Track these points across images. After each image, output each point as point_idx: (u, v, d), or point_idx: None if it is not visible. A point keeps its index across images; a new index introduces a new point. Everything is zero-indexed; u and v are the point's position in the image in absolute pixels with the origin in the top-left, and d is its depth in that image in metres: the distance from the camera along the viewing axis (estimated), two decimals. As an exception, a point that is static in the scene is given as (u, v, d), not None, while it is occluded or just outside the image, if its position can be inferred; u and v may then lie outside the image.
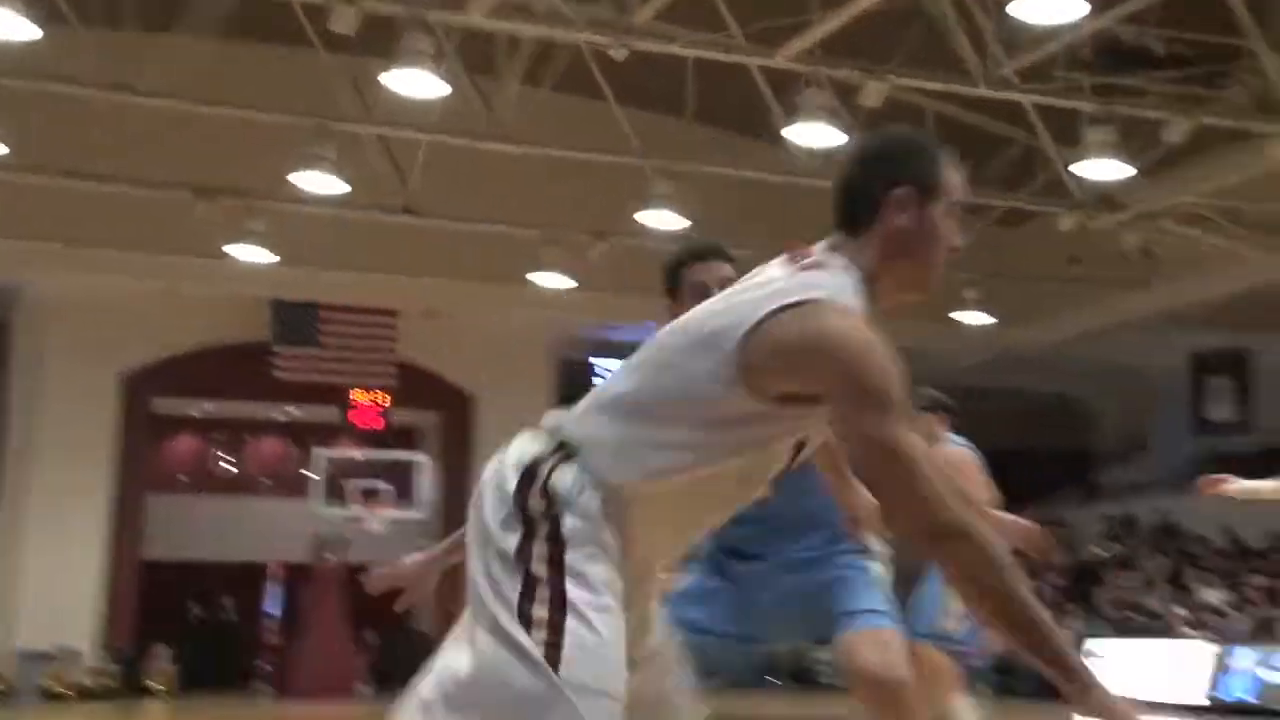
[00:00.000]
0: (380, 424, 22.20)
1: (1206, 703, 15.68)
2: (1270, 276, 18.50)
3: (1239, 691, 15.64)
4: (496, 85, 15.49)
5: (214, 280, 19.42)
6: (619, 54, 13.54)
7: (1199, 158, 15.71)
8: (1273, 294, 19.12)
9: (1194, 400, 23.34)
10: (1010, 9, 11.89)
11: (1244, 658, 16.04)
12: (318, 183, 15.40)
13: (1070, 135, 15.11)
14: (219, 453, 25.34)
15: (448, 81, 13.28)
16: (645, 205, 16.18)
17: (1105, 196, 16.48)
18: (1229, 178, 15.59)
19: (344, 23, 12.76)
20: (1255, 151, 14.80)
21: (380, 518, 20.35)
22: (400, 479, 21.08)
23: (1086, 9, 11.87)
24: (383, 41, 13.17)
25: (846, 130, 13.76)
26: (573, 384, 23.53)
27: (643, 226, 16.51)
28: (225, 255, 17.63)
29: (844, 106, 13.81)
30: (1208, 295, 18.45)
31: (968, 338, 22.43)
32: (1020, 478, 28.87)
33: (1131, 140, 14.50)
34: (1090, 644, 18.26)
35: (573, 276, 18.98)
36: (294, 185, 15.51)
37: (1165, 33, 14.20)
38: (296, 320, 20.84)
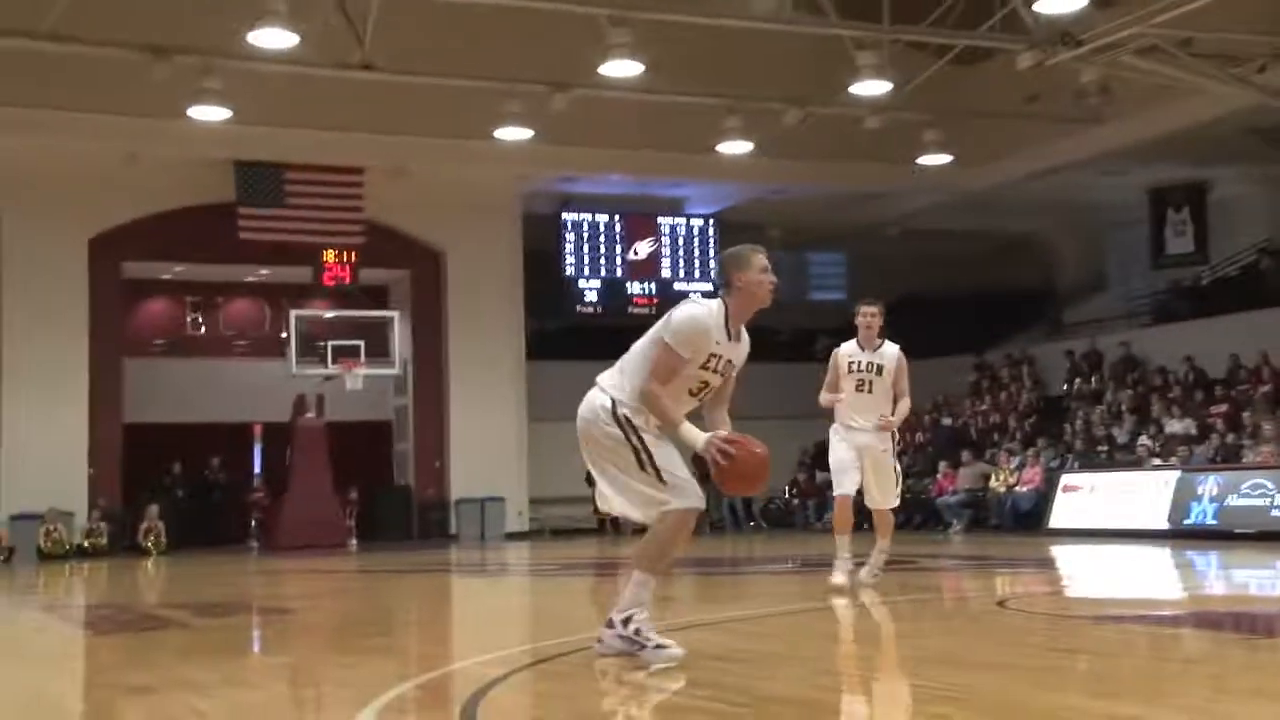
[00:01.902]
0: (350, 283, 22.19)
1: (1168, 526, 16.77)
2: (1224, 107, 18.47)
3: (1200, 516, 16.62)
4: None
5: (176, 142, 19.79)
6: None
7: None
8: (1227, 125, 19.41)
9: (1153, 234, 21.79)
10: None
11: (1205, 484, 16.82)
12: (272, 38, 15.53)
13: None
14: (192, 316, 23.07)
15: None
16: (603, 54, 16.20)
17: (1063, 31, 15.99)
18: (1183, 5, 14.78)
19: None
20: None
21: (356, 375, 21.30)
22: (373, 336, 21.70)
23: None
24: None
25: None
26: (541, 239, 23.91)
27: (602, 76, 16.92)
28: (186, 116, 17.98)
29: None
30: (1163, 129, 19.40)
31: (927, 180, 22.39)
32: (987, 317, 30.69)
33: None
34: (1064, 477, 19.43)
35: (536, 129, 19.36)
36: (249, 42, 15.77)
37: None
38: (261, 181, 21.15)
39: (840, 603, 8.50)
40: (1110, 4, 15.92)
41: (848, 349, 9.30)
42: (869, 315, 9.22)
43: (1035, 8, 14.97)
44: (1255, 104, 17.61)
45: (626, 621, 5.58)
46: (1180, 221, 23.52)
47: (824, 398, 9.30)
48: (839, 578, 8.95)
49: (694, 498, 5.61)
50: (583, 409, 5.73)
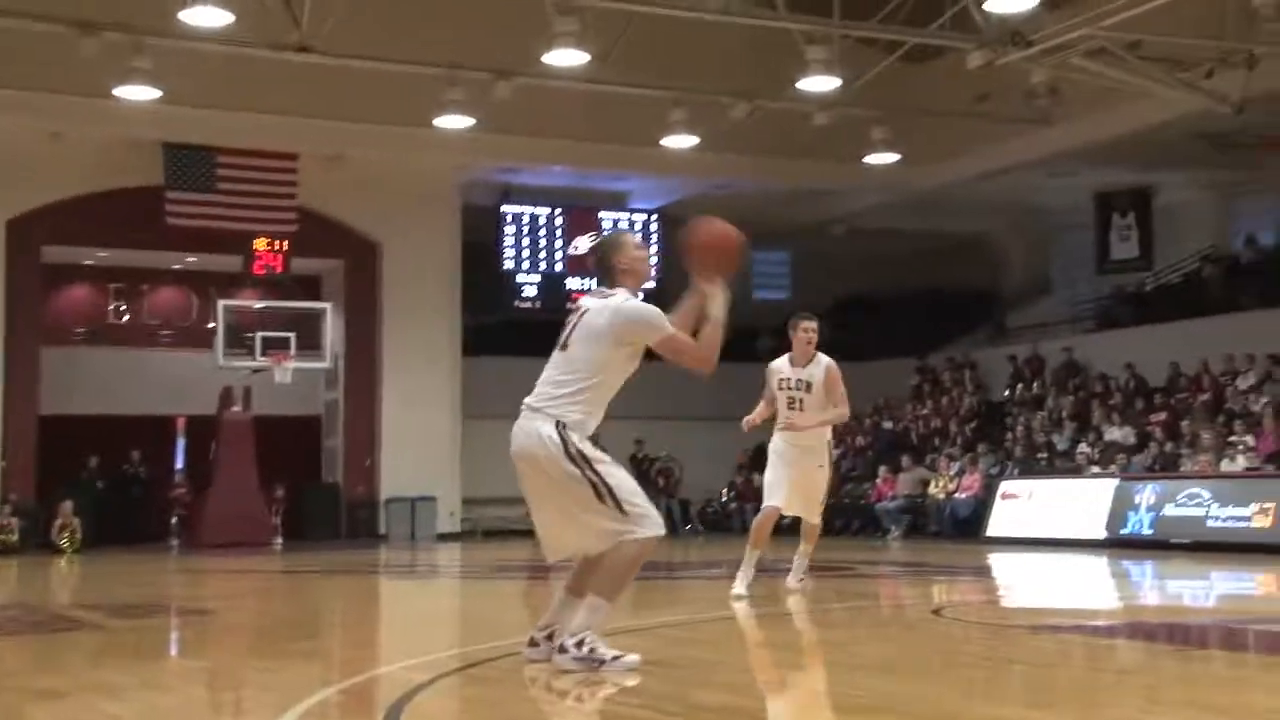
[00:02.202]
0: (281, 273, 21.94)
1: (1105, 536, 16.99)
2: (1172, 112, 18.69)
3: (1137, 525, 16.85)
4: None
5: (103, 121, 19.21)
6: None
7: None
8: (1174, 129, 19.63)
9: (1098, 239, 22.18)
10: None
11: (1143, 493, 17.02)
12: (205, 17, 15.25)
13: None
14: (114, 303, 22.57)
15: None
16: (548, 42, 16.22)
17: (1012, 31, 16.09)
18: (1132, 8, 14.99)
19: None
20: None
21: (285, 368, 20.85)
22: (304, 328, 21.29)
23: None
24: None
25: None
26: (479, 231, 23.64)
27: (547, 66, 16.90)
28: (114, 95, 17.50)
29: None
30: (1111, 132, 19.65)
31: (874, 179, 22.41)
32: (931, 319, 29.67)
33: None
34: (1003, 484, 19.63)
35: (477, 117, 19.00)
36: (182, 21, 15.42)
37: None
38: (191, 164, 20.69)
39: (741, 609, 8.61)
40: (1060, 5, 16.08)
41: (779, 365, 9.35)
42: (809, 330, 9.23)
43: (985, 7, 15.08)
44: (1202, 109, 17.86)
45: (580, 644, 5.54)
46: (1125, 226, 23.78)
47: (746, 419, 9.35)
48: (740, 588, 9.05)
49: (656, 525, 5.63)
50: (524, 439, 5.60)
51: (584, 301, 5.85)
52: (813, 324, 9.26)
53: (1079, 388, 21.89)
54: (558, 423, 5.54)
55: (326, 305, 21.85)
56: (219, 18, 15.14)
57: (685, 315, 5.79)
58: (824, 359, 9.24)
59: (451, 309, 22.87)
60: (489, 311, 23.97)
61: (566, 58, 16.27)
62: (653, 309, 5.69)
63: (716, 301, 5.74)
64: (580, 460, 5.51)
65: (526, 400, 5.67)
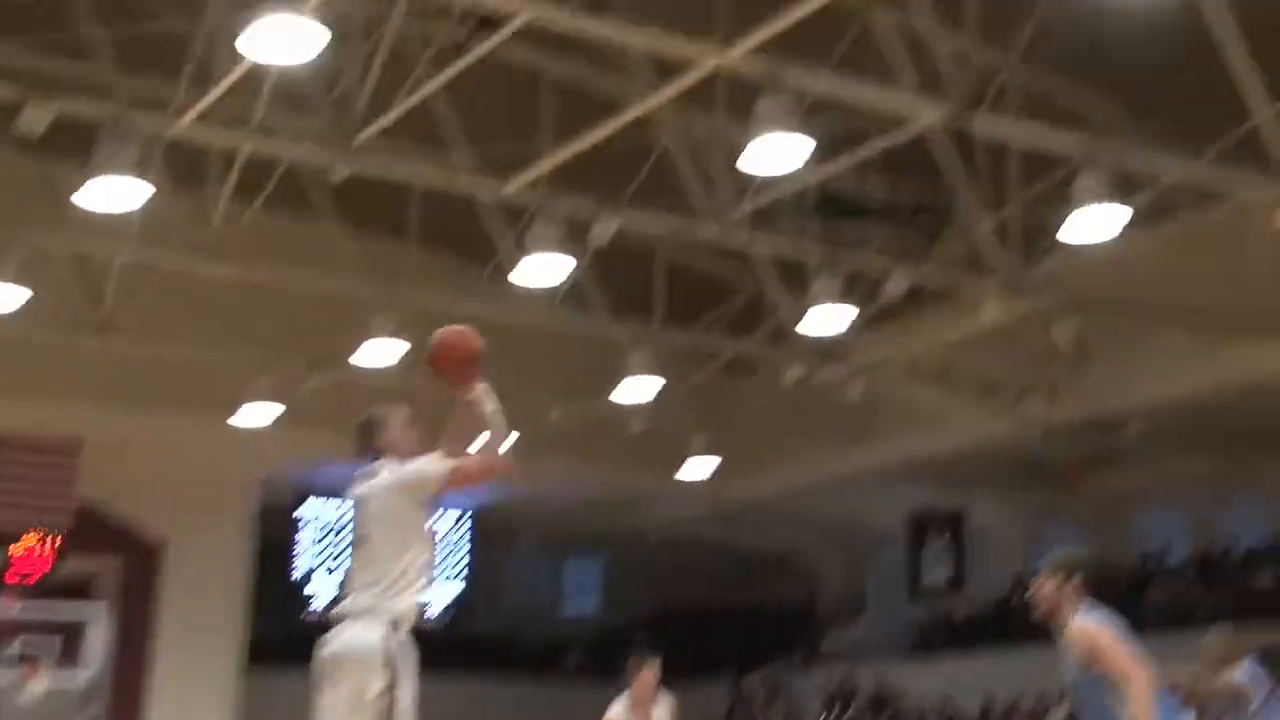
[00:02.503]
0: (49, 573, 20.04)
1: None
2: (983, 435, 18.95)
3: None
4: (204, 201, 14.55)
5: None
6: (338, 175, 13.31)
7: (916, 313, 16.25)
8: (985, 453, 19.82)
9: (910, 561, 22.39)
10: (739, 163, 11.60)
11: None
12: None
13: (797, 283, 15.65)
14: None
15: (150, 193, 12.11)
16: (362, 335, 15.89)
17: (829, 348, 16.64)
18: (945, 334, 15.86)
19: (33, 122, 11.60)
20: (968, 309, 15.42)
21: (36, 685, 18.57)
22: (68, 637, 19.64)
23: (809, 155, 11.38)
24: (79, 145, 12.12)
25: (575, 269, 14.22)
26: (275, 533, 22.57)
27: (360, 360, 16.26)
28: None
29: (571, 247, 13.86)
30: (924, 452, 20.01)
31: (690, 489, 21.74)
32: (745, 638, 28.39)
33: (854, 292, 15.00)
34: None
35: (280, 411, 18.06)
36: None
37: (885, 179, 14.83)
38: (-43, 453, 19.34)
39: None
40: (876, 326, 16.32)
41: (620, 715, 8.75)
42: (651, 672, 8.78)
43: (801, 324, 15.18)
44: (1012, 434, 18.18)
45: None
46: (938, 549, 23.86)
47: None
48: None
49: None
50: (345, 646, 5.21)
51: (356, 492, 5.58)
52: (656, 663, 8.79)
53: (892, 718, 21.22)
54: (390, 623, 5.20)
55: (96, 609, 19.98)
56: (16, 296, 14.00)
57: (457, 436, 5.56)
58: (665, 699, 8.78)
59: (236, 618, 21.31)
60: (277, 620, 22.50)
61: (381, 354, 15.81)
62: (420, 459, 5.47)
63: (481, 402, 5.58)
64: (388, 680, 5.10)
65: (349, 605, 5.30)
